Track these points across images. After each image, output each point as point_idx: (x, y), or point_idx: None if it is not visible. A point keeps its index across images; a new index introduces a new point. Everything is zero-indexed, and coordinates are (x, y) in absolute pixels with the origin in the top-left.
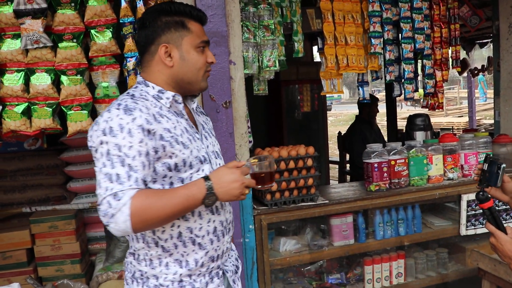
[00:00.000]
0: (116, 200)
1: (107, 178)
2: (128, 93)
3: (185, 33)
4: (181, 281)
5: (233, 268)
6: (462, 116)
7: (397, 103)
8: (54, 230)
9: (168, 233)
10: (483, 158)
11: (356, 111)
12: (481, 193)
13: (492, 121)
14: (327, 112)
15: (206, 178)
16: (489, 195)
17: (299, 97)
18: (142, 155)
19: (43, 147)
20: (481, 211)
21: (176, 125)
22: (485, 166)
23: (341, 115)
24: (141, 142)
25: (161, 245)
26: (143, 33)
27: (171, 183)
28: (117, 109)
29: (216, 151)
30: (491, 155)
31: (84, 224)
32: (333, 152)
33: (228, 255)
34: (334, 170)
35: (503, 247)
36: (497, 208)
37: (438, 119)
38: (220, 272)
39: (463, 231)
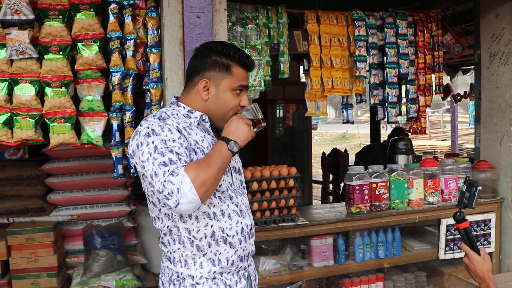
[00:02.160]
0: (175, 176)
1: (162, 165)
2: (161, 110)
3: (226, 75)
4: (214, 278)
5: (254, 274)
6: (445, 139)
7: (382, 125)
8: (32, 242)
9: (202, 232)
10: (463, 180)
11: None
12: (458, 213)
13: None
14: (313, 131)
15: (220, 137)
16: (465, 217)
17: (285, 116)
18: (183, 147)
19: (24, 157)
20: (460, 236)
21: (204, 139)
22: (464, 188)
23: (326, 135)
24: (180, 138)
25: (196, 244)
26: (193, 63)
27: None
28: (153, 118)
29: (236, 167)
30: (470, 178)
31: (63, 236)
32: (317, 171)
33: (251, 260)
34: (317, 190)
35: (475, 267)
36: (475, 233)
37: (421, 142)
38: (246, 274)
39: (442, 255)
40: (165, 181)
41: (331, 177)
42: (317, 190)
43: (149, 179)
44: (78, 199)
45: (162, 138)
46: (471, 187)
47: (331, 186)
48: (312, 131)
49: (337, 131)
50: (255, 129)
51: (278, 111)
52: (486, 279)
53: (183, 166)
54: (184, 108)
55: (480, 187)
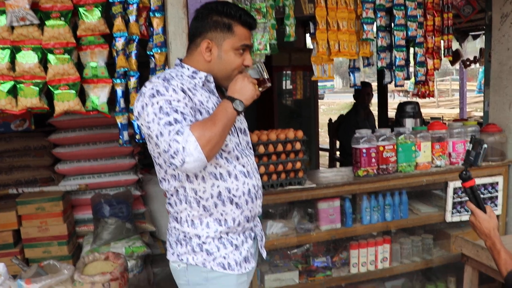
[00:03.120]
0: (180, 135)
1: (167, 125)
2: (165, 72)
3: (228, 35)
4: (220, 237)
5: (261, 235)
6: (453, 108)
7: (389, 94)
8: (41, 211)
9: (209, 192)
10: (469, 139)
11: (348, 100)
12: (464, 172)
13: (482, 113)
14: (320, 100)
15: (225, 96)
16: (471, 175)
17: (291, 84)
18: (188, 107)
19: (30, 128)
20: (466, 198)
21: (209, 100)
22: (470, 147)
23: (333, 104)
24: (184, 99)
25: (202, 204)
26: (194, 24)
27: None
28: (157, 79)
29: (242, 128)
30: (475, 136)
31: (72, 206)
32: (324, 140)
33: (257, 221)
34: (324, 158)
35: (481, 225)
36: (482, 195)
37: (430, 110)
38: (253, 234)
39: (449, 218)
40: (170, 140)
41: (338, 144)
42: (324, 158)
43: (155, 140)
44: (86, 168)
45: (166, 98)
46: (477, 145)
47: (338, 153)
48: (319, 100)
49: (344, 100)
50: (260, 89)
51: (284, 78)
52: (491, 236)
53: (188, 125)
54: (188, 69)
55: (486, 145)
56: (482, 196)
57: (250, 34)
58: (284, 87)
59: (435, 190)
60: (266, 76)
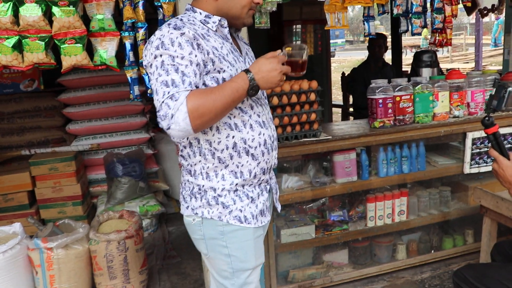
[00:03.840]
0: (173, 101)
1: (163, 84)
2: (177, 17)
3: None
4: (236, 190)
5: (276, 188)
6: (467, 62)
7: (402, 50)
8: (54, 172)
9: (224, 144)
10: (492, 83)
11: (359, 57)
12: (486, 118)
13: (498, 68)
14: (331, 59)
15: (247, 70)
16: (494, 121)
17: (302, 38)
18: (193, 64)
19: (39, 88)
20: (485, 149)
21: (223, 45)
22: (493, 91)
23: (344, 62)
24: (191, 54)
25: (217, 156)
26: None
27: None
28: (168, 27)
29: None
30: (499, 80)
31: (85, 166)
32: (336, 97)
33: (272, 173)
34: (337, 115)
35: (505, 172)
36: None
37: (443, 65)
38: (268, 187)
39: (467, 169)
40: (163, 102)
41: (351, 98)
42: (336, 115)
43: (153, 94)
44: (97, 128)
45: (170, 53)
46: (500, 89)
47: (351, 108)
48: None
49: (355, 57)
50: (293, 74)
51: (295, 33)
52: None
53: (186, 90)
54: (200, 13)
55: (511, 88)
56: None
57: None
58: (293, 41)
59: (453, 142)
60: (305, 57)
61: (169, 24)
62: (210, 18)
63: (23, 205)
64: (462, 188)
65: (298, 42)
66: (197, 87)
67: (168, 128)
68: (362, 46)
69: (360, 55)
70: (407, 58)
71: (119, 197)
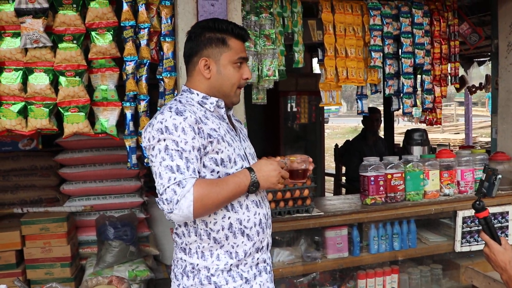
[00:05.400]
0: (181, 188)
1: (168, 169)
2: (175, 99)
3: (224, 50)
4: (230, 270)
5: (270, 266)
6: (458, 133)
7: (394, 118)
8: (45, 232)
9: (219, 224)
10: (483, 168)
11: (353, 124)
12: (477, 202)
13: (488, 139)
14: (324, 125)
15: (249, 168)
16: (485, 205)
17: (297, 108)
18: (195, 150)
19: (38, 147)
20: (476, 228)
21: (220, 126)
22: (483, 176)
23: (338, 128)
24: (194, 139)
25: (213, 236)
26: (189, 45)
27: (219, 178)
28: (169, 111)
29: (252, 153)
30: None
31: (76, 227)
32: (329, 164)
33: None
34: (329, 183)
35: (496, 257)
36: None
37: (434, 135)
38: (268, 268)
39: (458, 248)
40: (168, 187)
41: (343, 169)
42: (329, 183)
43: (154, 176)
44: (91, 189)
45: (174, 138)
46: (491, 175)
47: (343, 178)
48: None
49: (349, 124)
50: (291, 181)
51: (290, 103)
52: (508, 269)
53: (192, 177)
54: (197, 94)
55: (500, 176)
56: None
57: (244, 47)
58: (289, 112)
59: (443, 219)
60: (305, 167)
61: (170, 108)
62: (207, 99)
63: (10, 264)
64: (453, 266)
65: (300, 154)
66: (198, 172)
67: (170, 212)
68: (355, 112)
69: (353, 122)
70: (399, 127)
71: (109, 261)
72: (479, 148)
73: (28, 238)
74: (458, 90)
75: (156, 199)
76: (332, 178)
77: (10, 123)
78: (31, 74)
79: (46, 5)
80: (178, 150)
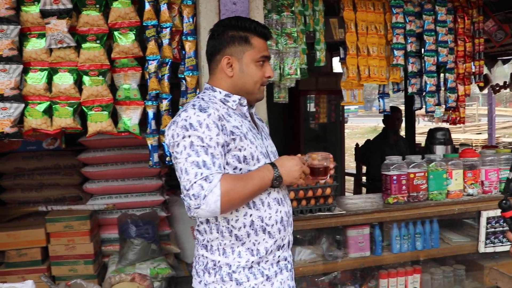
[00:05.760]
0: (208, 183)
1: (195, 165)
2: (198, 97)
3: (247, 48)
4: (251, 267)
5: (291, 264)
6: (480, 133)
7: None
8: (69, 230)
9: (241, 222)
10: (510, 167)
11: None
12: (504, 201)
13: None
14: None
15: (272, 164)
16: None
17: (315, 108)
18: (219, 146)
19: (61, 147)
20: (501, 229)
21: (242, 124)
22: (510, 175)
23: (357, 128)
24: (218, 135)
25: (234, 234)
26: (211, 43)
27: None
28: (193, 108)
29: (274, 152)
30: None
31: (99, 225)
32: (348, 164)
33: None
34: (349, 182)
35: None
36: None
37: (456, 135)
38: (289, 266)
39: (482, 249)
40: (195, 182)
41: (364, 169)
42: (348, 182)
43: (179, 173)
44: (113, 188)
45: (199, 134)
46: None
47: (364, 178)
48: None
49: (368, 124)
50: (311, 178)
51: (309, 102)
52: None
53: (218, 172)
54: (220, 92)
55: None
56: None
57: (267, 45)
58: (310, 111)
59: (467, 219)
60: (325, 165)
61: (193, 105)
62: (230, 97)
63: (36, 261)
64: (477, 267)
65: (321, 152)
66: (224, 168)
67: (197, 208)
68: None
69: (373, 122)
70: (419, 127)
71: (131, 258)
72: (502, 148)
73: (52, 235)
74: (481, 89)
75: (182, 195)
76: (352, 178)
77: (36, 123)
78: (55, 74)
79: (70, 5)
80: (204, 146)
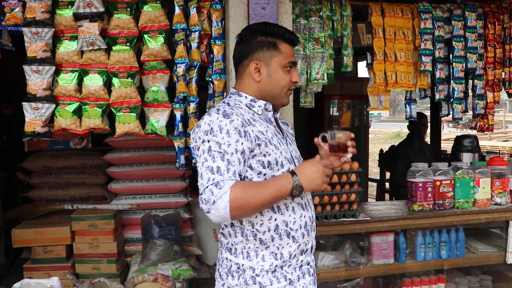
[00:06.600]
0: (218, 189)
1: (209, 170)
2: (223, 101)
3: (275, 53)
4: (274, 271)
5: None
6: (507, 140)
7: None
8: (94, 228)
9: (266, 226)
10: None
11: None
12: None
13: None
14: None
15: (292, 172)
16: None
17: (339, 112)
18: (238, 153)
19: (87, 147)
20: None
21: (267, 129)
22: None
23: (380, 133)
24: (237, 142)
25: (259, 237)
26: (239, 48)
27: (265, 180)
28: (217, 113)
29: (298, 156)
30: None
31: (122, 225)
32: (371, 170)
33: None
34: (371, 188)
35: None
36: None
37: (481, 142)
38: (312, 270)
39: (510, 260)
40: (207, 187)
41: (387, 174)
42: (371, 188)
43: (198, 176)
44: (138, 189)
45: (217, 140)
46: None
47: (387, 184)
48: None
49: (391, 129)
50: (333, 154)
51: (333, 107)
52: None
53: (230, 179)
54: (246, 97)
55: None
56: None
57: (294, 51)
58: (332, 115)
59: (494, 229)
60: (346, 139)
61: (218, 110)
62: (255, 102)
63: (61, 258)
64: (504, 278)
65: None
66: (240, 175)
67: (208, 212)
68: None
69: (396, 127)
70: (444, 133)
71: (153, 259)
72: None
73: (77, 233)
74: (510, 95)
75: (198, 198)
76: (375, 184)
77: (66, 123)
78: (86, 76)
79: (102, 9)
80: (220, 152)
